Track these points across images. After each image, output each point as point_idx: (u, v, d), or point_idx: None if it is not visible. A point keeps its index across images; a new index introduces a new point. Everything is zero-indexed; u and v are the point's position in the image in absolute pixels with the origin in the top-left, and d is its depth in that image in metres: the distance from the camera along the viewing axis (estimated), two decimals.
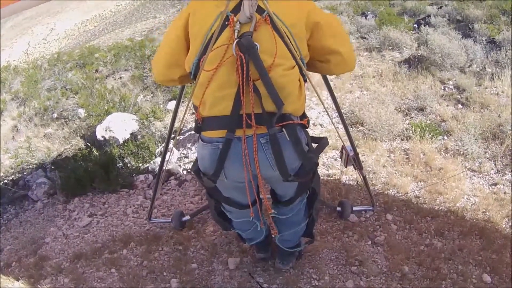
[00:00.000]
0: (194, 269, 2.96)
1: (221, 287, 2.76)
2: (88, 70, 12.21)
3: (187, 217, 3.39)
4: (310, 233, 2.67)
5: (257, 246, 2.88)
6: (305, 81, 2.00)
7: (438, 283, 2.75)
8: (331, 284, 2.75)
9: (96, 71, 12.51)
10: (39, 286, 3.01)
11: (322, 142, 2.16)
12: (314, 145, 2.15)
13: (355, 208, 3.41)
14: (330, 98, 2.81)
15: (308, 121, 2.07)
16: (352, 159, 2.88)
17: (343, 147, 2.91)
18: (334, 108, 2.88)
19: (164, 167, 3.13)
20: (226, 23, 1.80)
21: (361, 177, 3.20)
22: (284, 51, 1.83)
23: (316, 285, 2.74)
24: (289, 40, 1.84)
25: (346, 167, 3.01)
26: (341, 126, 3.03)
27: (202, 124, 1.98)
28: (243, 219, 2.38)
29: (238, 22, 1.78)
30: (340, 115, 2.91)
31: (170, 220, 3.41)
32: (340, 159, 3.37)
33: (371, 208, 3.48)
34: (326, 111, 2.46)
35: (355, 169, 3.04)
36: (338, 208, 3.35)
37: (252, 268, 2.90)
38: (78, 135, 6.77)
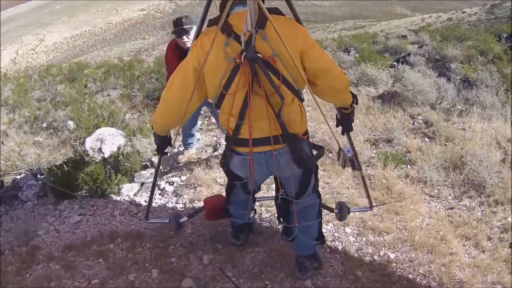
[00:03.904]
0: (173, 262, 3.39)
1: (196, 277, 3.19)
2: (78, 85, 12.58)
3: (184, 218, 3.52)
4: (321, 235, 3.17)
5: (234, 232, 3.51)
6: (302, 100, 2.51)
7: (388, 286, 3.19)
8: (291, 281, 3.19)
9: (85, 86, 12.87)
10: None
11: (319, 152, 2.89)
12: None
13: (352, 210, 3.62)
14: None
15: (308, 137, 2.72)
16: (349, 160, 3.14)
17: (340, 149, 3.20)
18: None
19: (160, 169, 3.38)
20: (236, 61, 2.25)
21: (359, 177, 3.45)
22: (287, 92, 2.35)
23: (278, 281, 3.18)
24: (289, 76, 2.32)
25: (343, 168, 3.32)
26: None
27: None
28: (241, 199, 3.13)
29: (243, 34, 2.15)
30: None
31: (168, 220, 3.52)
32: (337, 161, 3.59)
33: (368, 208, 3.71)
34: (321, 112, 2.86)
35: (353, 169, 3.28)
36: (336, 210, 3.47)
37: (223, 264, 3.34)
38: (67, 145, 7.11)
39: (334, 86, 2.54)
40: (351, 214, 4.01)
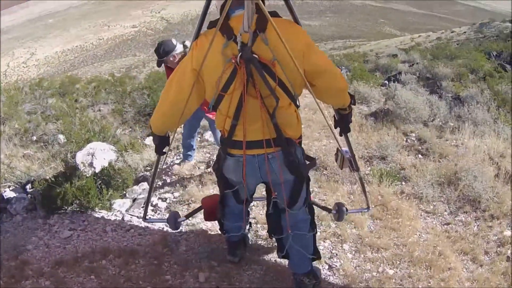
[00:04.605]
0: (168, 280, 3.30)
1: None
2: (68, 99, 12.50)
3: (182, 218, 3.44)
4: (316, 250, 3.12)
5: (230, 248, 3.42)
6: (298, 106, 2.50)
7: None
8: None
9: (76, 101, 12.80)
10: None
11: (312, 162, 2.85)
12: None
13: (350, 211, 3.62)
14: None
15: (300, 142, 2.70)
16: (348, 160, 3.13)
17: (338, 150, 3.19)
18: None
19: (158, 169, 3.28)
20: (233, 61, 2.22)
21: (357, 178, 3.41)
22: (284, 96, 2.34)
23: None
24: (286, 81, 2.31)
25: (341, 169, 3.29)
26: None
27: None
28: (234, 210, 3.06)
29: (239, 34, 2.13)
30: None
31: (165, 220, 3.42)
32: (335, 162, 3.52)
33: (366, 209, 3.72)
34: (323, 113, 2.82)
35: (351, 170, 3.26)
36: (333, 211, 3.42)
37: (220, 282, 3.25)
38: (58, 159, 7.01)
39: (333, 86, 2.54)
40: (348, 231, 4.00)
